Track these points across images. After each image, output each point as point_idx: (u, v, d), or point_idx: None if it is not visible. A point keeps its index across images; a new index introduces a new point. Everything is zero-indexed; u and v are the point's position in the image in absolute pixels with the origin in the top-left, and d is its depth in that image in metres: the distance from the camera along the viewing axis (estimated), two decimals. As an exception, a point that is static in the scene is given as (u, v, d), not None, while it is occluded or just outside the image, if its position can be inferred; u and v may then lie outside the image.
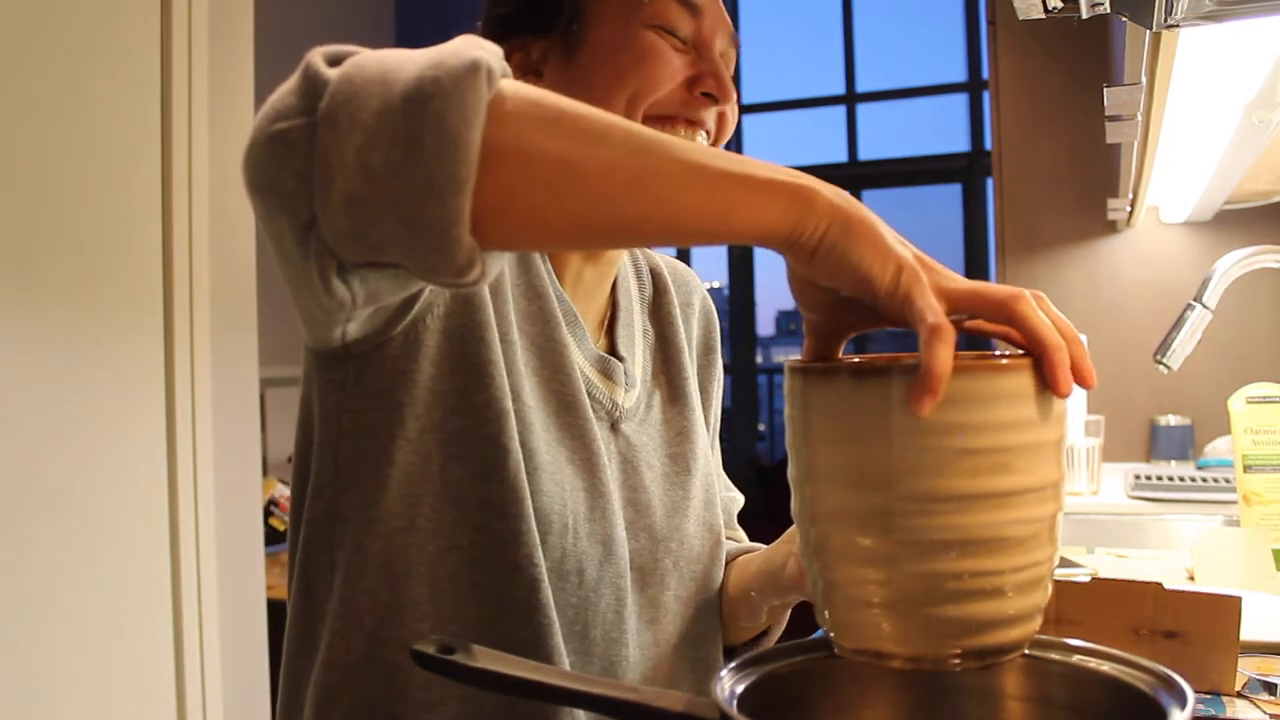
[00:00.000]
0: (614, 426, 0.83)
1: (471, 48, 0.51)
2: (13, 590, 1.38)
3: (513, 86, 0.52)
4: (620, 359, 0.85)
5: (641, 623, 0.81)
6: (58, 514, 1.45)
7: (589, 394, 0.81)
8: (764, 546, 0.96)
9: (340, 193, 0.50)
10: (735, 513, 1.00)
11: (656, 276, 0.95)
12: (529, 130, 0.50)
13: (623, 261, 0.90)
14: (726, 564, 0.94)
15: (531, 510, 0.73)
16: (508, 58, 0.79)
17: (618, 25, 0.78)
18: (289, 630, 0.76)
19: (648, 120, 0.77)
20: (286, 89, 0.53)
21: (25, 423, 1.41)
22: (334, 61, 0.53)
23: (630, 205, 0.51)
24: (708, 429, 0.96)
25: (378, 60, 0.52)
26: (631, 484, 0.82)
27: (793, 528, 0.83)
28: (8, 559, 1.38)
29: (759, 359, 6.17)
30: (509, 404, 0.73)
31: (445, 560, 0.71)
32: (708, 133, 0.80)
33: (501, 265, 0.55)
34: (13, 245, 1.41)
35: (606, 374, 0.83)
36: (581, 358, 0.81)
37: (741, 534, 1.01)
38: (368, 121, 0.50)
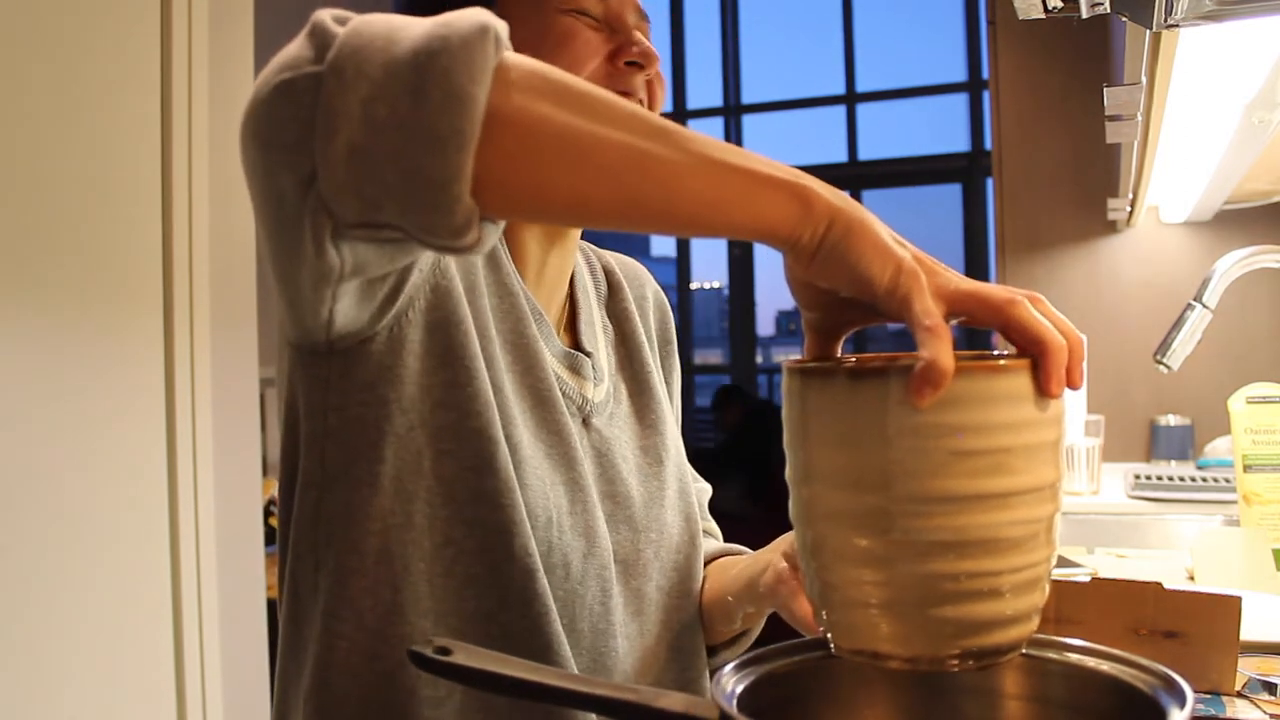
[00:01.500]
0: (585, 421, 0.83)
1: (481, 15, 0.51)
2: (13, 590, 1.38)
3: (519, 57, 0.52)
4: (587, 354, 0.86)
5: (627, 614, 0.82)
6: (58, 514, 1.45)
7: (561, 390, 0.81)
8: (746, 550, 0.96)
9: (343, 143, 0.50)
10: (705, 502, 1.02)
11: (609, 274, 0.96)
12: (535, 99, 0.50)
13: (578, 259, 0.91)
14: (707, 563, 0.94)
15: (522, 502, 0.73)
16: None
17: (532, 16, 0.80)
18: (281, 632, 0.76)
19: None
20: (295, 44, 0.54)
21: (25, 422, 1.41)
22: (342, 21, 0.54)
23: (631, 185, 0.51)
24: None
25: (386, 20, 0.53)
26: (608, 477, 0.83)
27: (781, 537, 0.84)
28: (8, 559, 1.38)
29: (759, 359, 6.17)
30: (493, 397, 0.73)
31: (441, 555, 0.71)
32: (641, 102, 0.81)
33: (497, 236, 0.55)
34: (13, 245, 1.41)
35: (575, 369, 0.84)
36: (550, 354, 0.82)
37: (713, 523, 1.02)
38: (375, 73, 0.50)
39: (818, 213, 0.50)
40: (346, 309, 0.64)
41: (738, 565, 0.90)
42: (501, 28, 0.51)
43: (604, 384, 0.87)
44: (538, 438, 0.78)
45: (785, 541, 0.84)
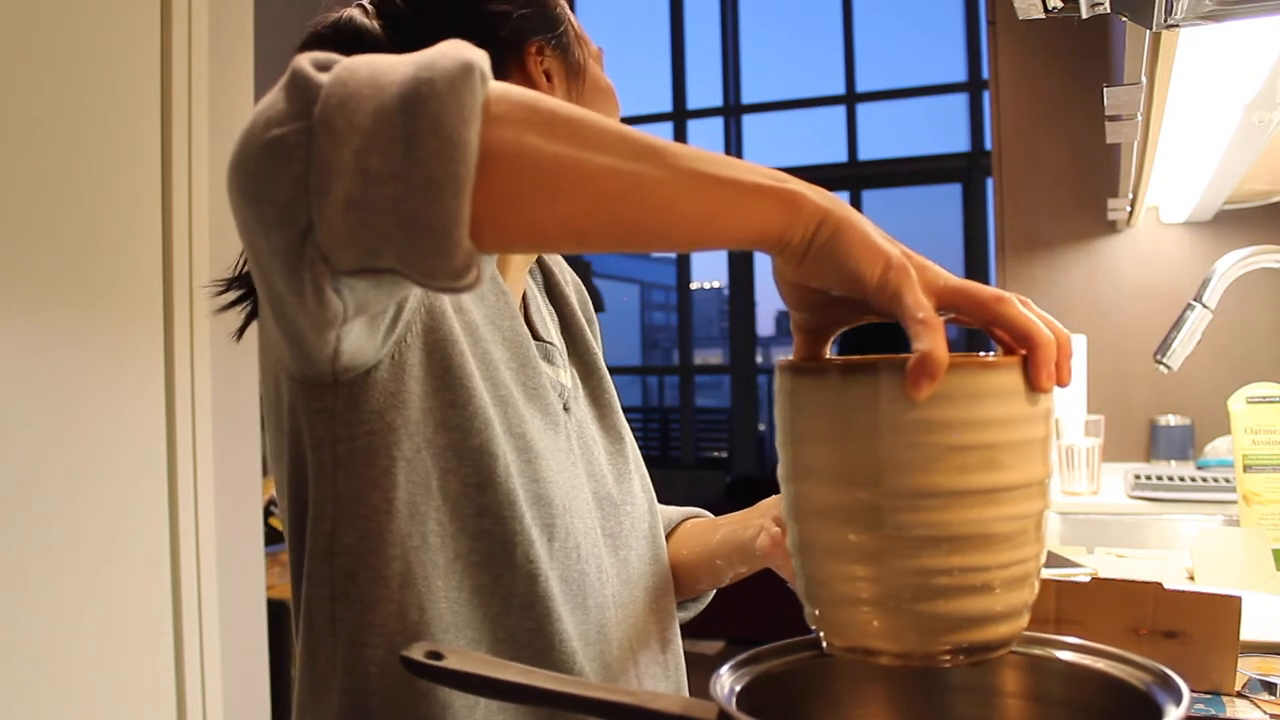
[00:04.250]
0: (565, 407, 0.85)
1: (461, 50, 0.51)
2: (13, 590, 1.38)
3: (503, 89, 0.51)
4: (550, 343, 0.88)
5: (620, 584, 0.84)
6: (58, 514, 1.45)
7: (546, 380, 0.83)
8: (708, 514, 1.02)
9: (339, 197, 0.50)
10: None
11: (540, 260, 0.97)
12: (524, 132, 0.50)
13: None
14: (675, 528, 0.99)
15: (525, 511, 0.74)
16: (526, 54, 0.82)
17: (597, 66, 0.86)
18: (299, 662, 0.75)
19: None
20: (276, 96, 0.53)
21: (26, 423, 1.41)
22: (322, 67, 0.52)
23: (626, 211, 0.51)
24: None
25: (368, 64, 0.52)
26: (588, 458, 0.85)
27: (762, 502, 0.90)
28: (8, 559, 1.38)
29: (759, 359, 6.17)
30: (491, 410, 0.73)
31: (453, 570, 0.72)
32: None
33: (492, 267, 0.55)
34: (13, 246, 1.41)
35: (548, 359, 0.86)
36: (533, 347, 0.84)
37: None
38: (364, 124, 0.49)
39: (806, 214, 0.50)
40: (352, 344, 0.64)
41: (720, 530, 0.94)
42: (483, 61, 0.51)
43: (567, 370, 0.89)
44: (542, 430, 0.79)
45: (773, 505, 0.88)
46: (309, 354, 0.64)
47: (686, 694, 0.90)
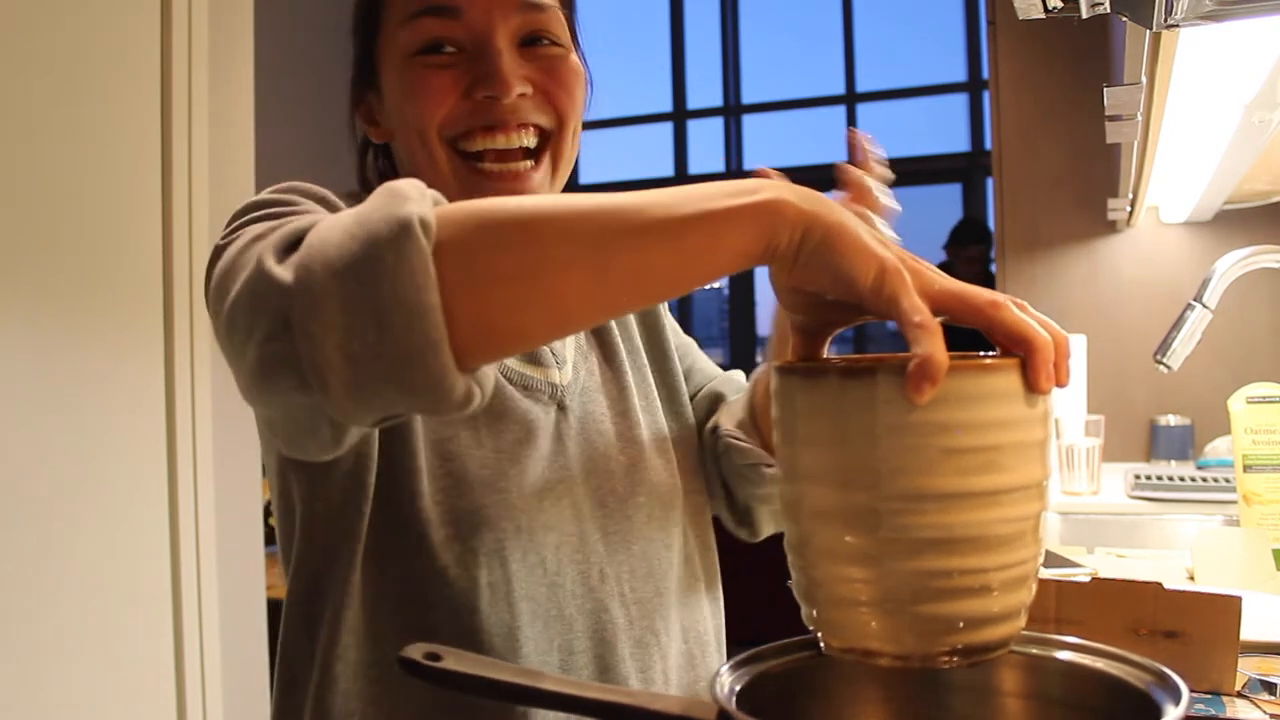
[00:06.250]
0: (561, 407, 0.84)
1: (396, 204, 0.52)
2: (13, 590, 1.38)
3: (444, 219, 0.52)
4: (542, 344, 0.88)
5: (638, 579, 0.84)
6: (58, 514, 1.45)
7: (525, 386, 0.82)
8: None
9: (338, 385, 0.52)
10: (740, 383, 1.01)
11: None
12: (480, 257, 0.51)
13: None
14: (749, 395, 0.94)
15: (439, 551, 0.75)
16: (358, 110, 0.85)
17: (392, 67, 0.79)
18: (274, 700, 0.80)
19: (456, 146, 0.79)
20: (253, 302, 0.55)
21: (26, 423, 1.41)
22: (285, 251, 0.54)
23: (603, 288, 0.52)
24: (681, 365, 0.98)
25: (321, 248, 0.52)
26: (589, 454, 0.85)
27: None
28: (8, 559, 1.38)
29: (759, 359, 6.17)
30: (412, 460, 0.75)
31: (380, 609, 0.76)
32: (536, 127, 0.79)
33: (494, 373, 0.57)
34: (12, 247, 1.41)
35: (535, 361, 0.85)
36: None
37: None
38: (336, 320, 0.51)
39: (789, 222, 0.51)
40: None
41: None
42: (420, 203, 0.52)
43: (568, 364, 0.88)
44: (499, 451, 0.79)
45: None
46: (302, 456, 0.67)
47: None
